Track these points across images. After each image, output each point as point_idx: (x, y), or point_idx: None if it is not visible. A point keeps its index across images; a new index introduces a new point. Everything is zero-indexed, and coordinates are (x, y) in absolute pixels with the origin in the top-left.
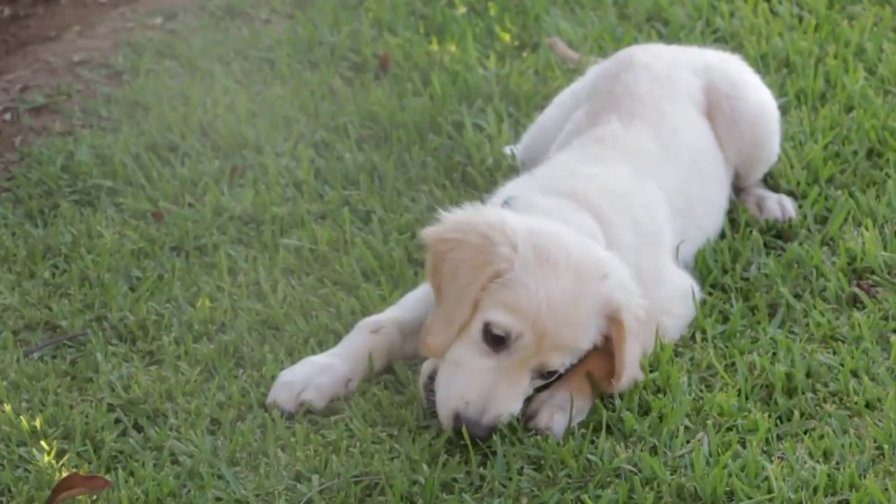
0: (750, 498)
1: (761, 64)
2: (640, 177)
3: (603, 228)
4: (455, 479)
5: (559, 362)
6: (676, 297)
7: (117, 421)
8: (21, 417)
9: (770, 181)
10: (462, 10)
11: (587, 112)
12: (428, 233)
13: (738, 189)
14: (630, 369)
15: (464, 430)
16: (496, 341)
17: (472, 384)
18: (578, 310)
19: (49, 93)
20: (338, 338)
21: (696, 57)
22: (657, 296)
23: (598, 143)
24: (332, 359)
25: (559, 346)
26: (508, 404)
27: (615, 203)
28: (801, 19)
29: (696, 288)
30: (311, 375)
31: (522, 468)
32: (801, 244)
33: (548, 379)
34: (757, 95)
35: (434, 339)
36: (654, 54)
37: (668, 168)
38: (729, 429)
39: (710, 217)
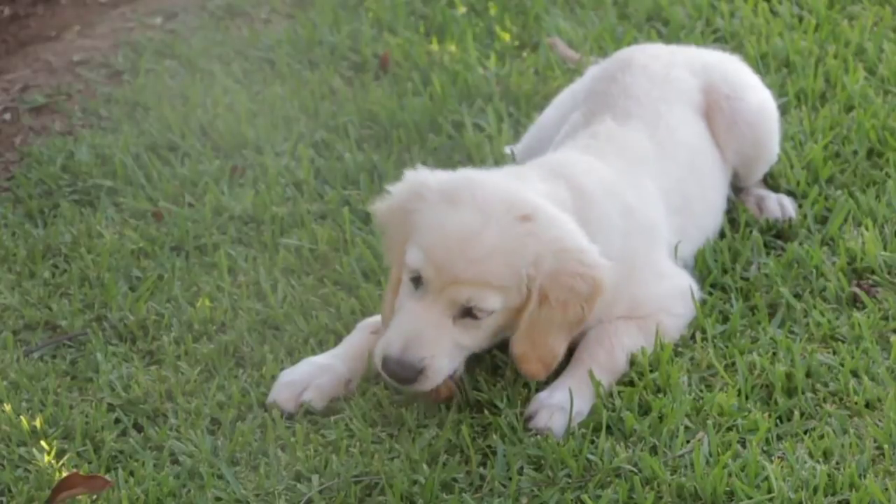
0: (750, 498)
1: (761, 64)
2: (635, 172)
3: (580, 202)
4: (455, 479)
5: (466, 297)
6: (675, 295)
7: (117, 421)
8: (21, 417)
9: (770, 181)
10: (462, 10)
11: (584, 113)
12: (374, 211)
13: (737, 189)
14: (536, 344)
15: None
16: (415, 283)
17: (394, 328)
18: (479, 244)
19: (49, 93)
20: (338, 338)
21: (695, 57)
22: (656, 293)
23: (593, 137)
24: (333, 359)
25: (461, 279)
26: (432, 346)
27: (603, 184)
28: (801, 19)
29: (696, 287)
30: (312, 376)
31: (522, 468)
32: (801, 244)
33: (478, 320)
34: (756, 95)
35: (386, 307)
36: (652, 55)
37: (664, 167)
38: (729, 429)
39: (709, 216)
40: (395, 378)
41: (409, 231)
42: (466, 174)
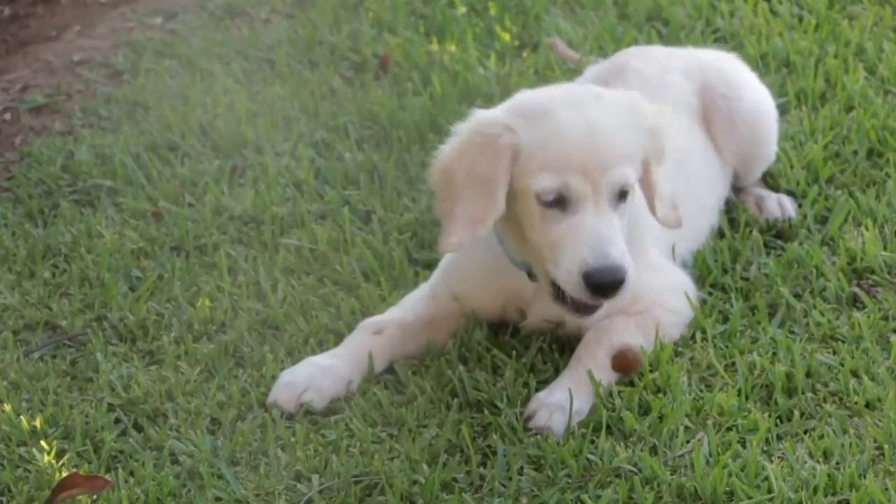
0: (750, 498)
1: (761, 64)
2: None
3: None
4: (455, 479)
5: (622, 176)
6: (671, 289)
7: (117, 421)
8: (21, 417)
9: (770, 181)
10: (462, 10)
11: None
12: (434, 164)
13: (737, 189)
14: (662, 192)
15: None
16: (558, 204)
17: (573, 245)
18: (602, 128)
19: (49, 93)
20: (338, 338)
21: (691, 59)
22: (650, 286)
23: None
24: (334, 360)
25: (608, 165)
26: (618, 241)
27: None
28: (801, 19)
29: (693, 287)
30: (313, 376)
31: (522, 468)
32: (801, 244)
33: (625, 202)
34: (754, 95)
35: (459, 236)
36: (647, 59)
37: None
38: (729, 429)
39: (702, 216)
40: (604, 289)
41: (509, 163)
42: (519, 95)
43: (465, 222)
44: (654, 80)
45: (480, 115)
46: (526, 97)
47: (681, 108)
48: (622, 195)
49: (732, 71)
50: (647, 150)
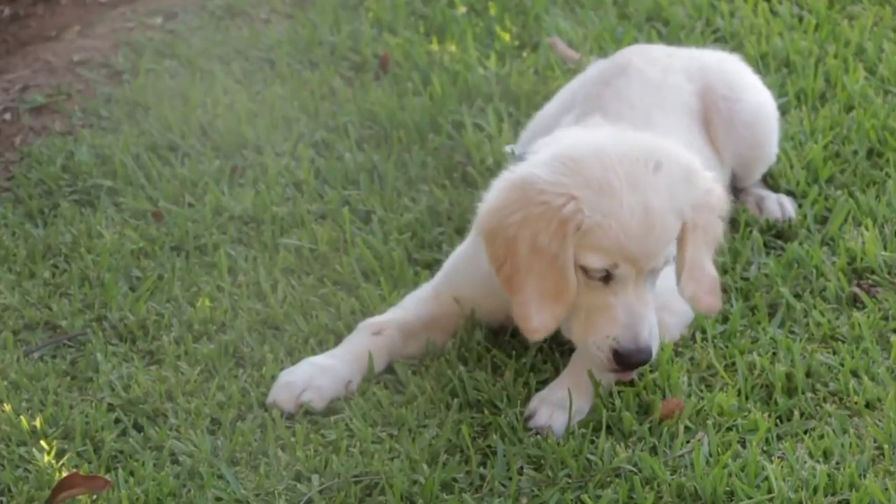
0: (750, 498)
1: (761, 64)
2: None
3: None
4: (455, 479)
5: (665, 260)
6: (672, 289)
7: (117, 421)
8: (21, 417)
9: (770, 181)
10: (462, 10)
11: (577, 115)
12: (482, 223)
13: (738, 189)
14: (698, 279)
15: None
16: (602, 278)
17: (608, 322)
18: (652, 215)
19: (49, 93)
20: (338, 338)
21: (693, 60)
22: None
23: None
24: (333, 360)
25: (656, 253)
26: (649, 317)
27: None
28: (801, 19)
29: None
30: (312, 376)
31: (522, 468)
32: (801, 244)
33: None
34: (755, 96)
35: (540, 319)
36: (649, 60)
37: None
38: (729, 429)
39: None
40: (633, 366)
41: (573, 235)
42: (577, 152)
43: (542, 302)
44: (655, 80)
45: (538, 176)
46: (581, 153)
47: (683, 112)
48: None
49: (734, 72)
50: (690, 220)
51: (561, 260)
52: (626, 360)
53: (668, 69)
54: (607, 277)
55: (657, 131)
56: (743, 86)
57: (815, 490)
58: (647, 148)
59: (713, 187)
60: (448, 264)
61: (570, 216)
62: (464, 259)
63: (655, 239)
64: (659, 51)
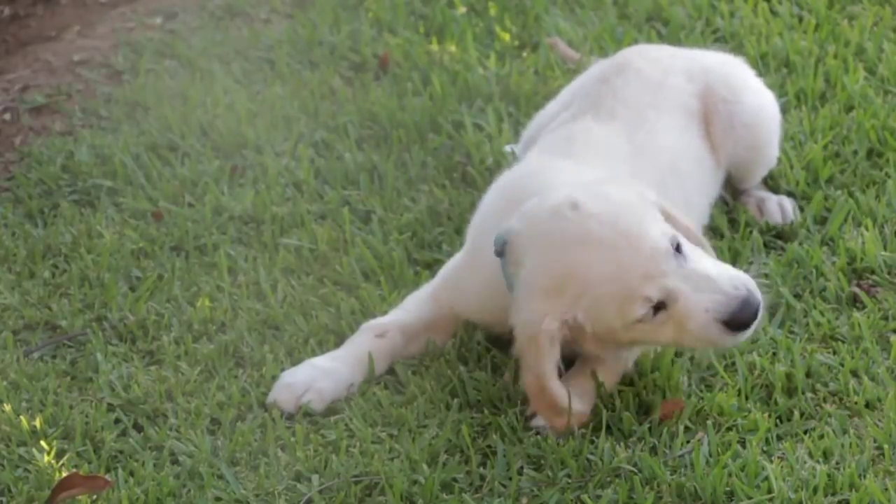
0: (750, 498)
1: (761, 64)
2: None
3: None
4: (455, 479)
5: (662, 237)
6: None
7: (117, 421)
8: (21, 417)
9: (770, 181)
10: (462, 10)
11: (573, 113)
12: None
13: (738, 191)
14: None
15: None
16: (655, 309)
17: (695, 309)
18: (616, 242)
19: (49, 93)
20: (338, 338)
21: (695, 61)
22: None
23: (567, 140)
24: (335, 363)
25: (648, 260)
26: (722, 272)
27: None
28: (801, 19)
29: None
30: (314, 379)
31: (522, 468)
32: (801, 244)
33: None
34: (755, 99)
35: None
36: (650, 59)
37: (639, 167)
38: (729, 429)
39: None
40: (750, 319)
41: (554, 354)
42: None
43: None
44: (655, 80)
45: (523, 313)
46: (537, 270)
47: (682, 112)
48: (677, 247)
49: (735, 75)
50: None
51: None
52: (737, 320)
53: (668, 70)
54: (660, 307)
55: (650, 130)
56: (743, 88)
57: (815, 490)
58: (559, 199)
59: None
60: (447, 273)
61: (536, 332)
62: (462, 271)
63: (635, 247)
64: (661, 51)
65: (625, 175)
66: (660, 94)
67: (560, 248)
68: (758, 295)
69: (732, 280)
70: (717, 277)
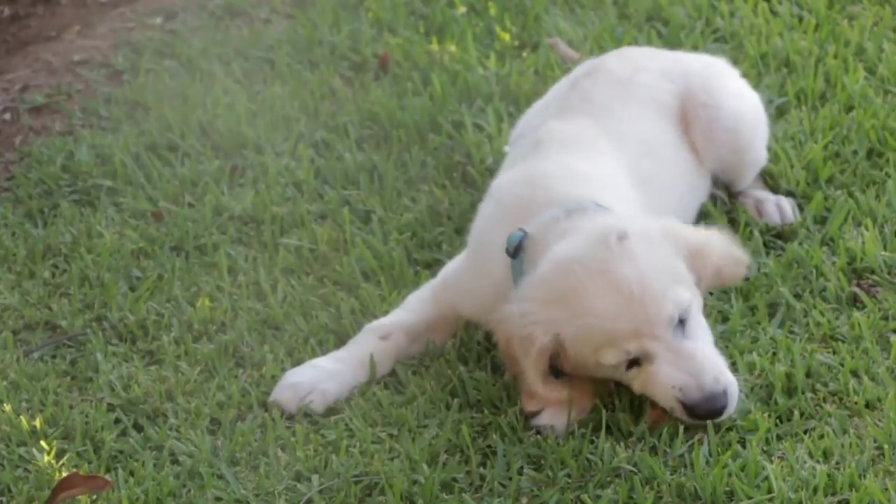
0: (750, 498)
1: (761, 64)
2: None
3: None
4: (455, 479)
5: (673, 314)
6: None
7: (117, 421)
8: (21, 417)
9: (770, 181)
10: (462, 10)
11: (543, 117)
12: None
13: (736, 192)
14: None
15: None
16: (633, 364)
17: (662, 396)
18: (632, 290)
19: (49, 93)
20: (338, 338)
21: (676, 64)
22: None
23: (535, 145)
24: (339, 364)
25: (657, 315)
26: (707, 362)
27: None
28: (801, 19)
29: None
30: (318, 380)
31: (522, 468)
32: (801, 244)
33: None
34: (735, 103)
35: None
36: (625, 60)
37: (612, 147)
38: (729, 429)
39: (670, 196)
40: (712, 414)
41: (543, 363)
42: (542, 277)
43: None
44: (623, 78)
45: (515, 310)
46: (554, 272)
47: (651, 105)
48: (682, 320)
49: (715, 78)
50: (691, 270)
51: (532, 373)
52: (702, 410)
53: (640, 69)
54: (634, 362)
55: (619, 119)
56: (722, 93)
57: (815, 490)
58: (610, 228)
59: (693, 233)
60: (447, 275)
61: (539, 347)
62: (464, 273)
63: (647, 303)
64: (640, 52)
65: (600, 155)
66: (627, 90)
67: (584, 268)
68: (731, 399)
69: (713, 371)
70: (701, 363)
